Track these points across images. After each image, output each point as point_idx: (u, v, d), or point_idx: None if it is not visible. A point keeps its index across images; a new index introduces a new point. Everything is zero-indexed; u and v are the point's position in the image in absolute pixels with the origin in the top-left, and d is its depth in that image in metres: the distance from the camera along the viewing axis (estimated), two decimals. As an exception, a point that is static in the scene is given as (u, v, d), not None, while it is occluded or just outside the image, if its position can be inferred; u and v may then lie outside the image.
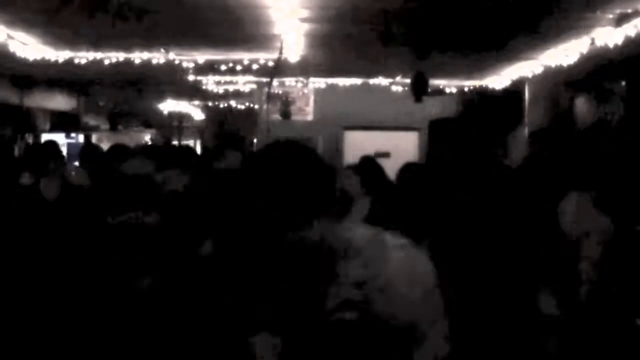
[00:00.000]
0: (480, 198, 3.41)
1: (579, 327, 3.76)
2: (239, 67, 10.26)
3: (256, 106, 14.20)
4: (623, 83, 9.60)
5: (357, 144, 13.01)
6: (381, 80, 12.32)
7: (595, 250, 3.89)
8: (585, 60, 8.91)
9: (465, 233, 3.28)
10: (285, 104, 13.39)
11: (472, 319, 2.98)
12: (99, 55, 9.73)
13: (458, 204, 3.39)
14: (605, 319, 3.85)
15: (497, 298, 3.12)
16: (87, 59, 9.82)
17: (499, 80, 12.14)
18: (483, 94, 12.69)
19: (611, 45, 7.86)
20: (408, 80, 10.69)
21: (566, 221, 4.05)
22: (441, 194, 3.63)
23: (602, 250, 3.90)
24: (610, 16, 7.21)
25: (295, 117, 13.41)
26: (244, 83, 12.65)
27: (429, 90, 10.79)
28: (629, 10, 6.95)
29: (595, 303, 3.83)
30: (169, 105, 17.44)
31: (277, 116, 13.30)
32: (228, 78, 11.98)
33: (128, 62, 9.85)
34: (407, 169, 5.51)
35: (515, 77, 11.55)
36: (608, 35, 7.76)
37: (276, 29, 7.85)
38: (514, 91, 12.13)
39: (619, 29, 7.46)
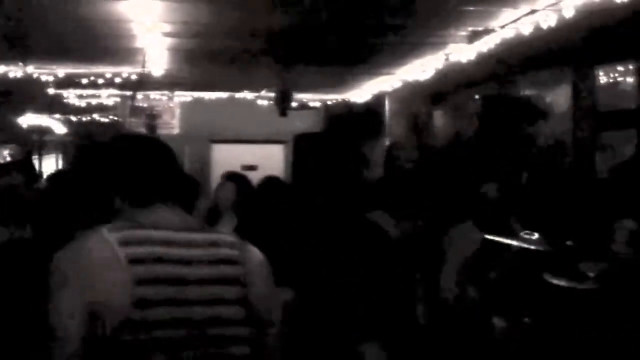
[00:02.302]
0: (335, 213, 3.51)
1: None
2: (101, 81, 10.07)
3: (120, 120, 13.95)
4: (477, 97, 10.07)
5: (225, 158, 13.04)
6: (247, 94, 12.40)
7: (452, 267, 4.00)
8: (441, 75, 9.29)
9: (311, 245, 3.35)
10: (150, 117, 13.22)
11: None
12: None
13: (310, 221, 3.46)
14: (464, 324, 4.02)
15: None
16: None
17: (360, 94, 12.45)
18: (346, 107, 12.98)
19: (464, 61, 8.24)
20: (273, 94, 10.84)
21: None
22: (298, 208, 3.71)
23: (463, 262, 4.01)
24: (463, 33, 7.54)
25: (161, 131, 13.27)
26: (108, 96, 12.42)
27: (294, 104, 10.98)
28: (481, 28, 7.30)
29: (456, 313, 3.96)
30: (28, 119, 16.82)
31: (142, 130, 13.12)
32: (90, 91, 11.73)
33: (-17, 76, 9.50)
34: (267, 183, 5.59)
35: (376, 91, 11.88)
36: (462, 52, 8.13)
37: (139, 43, 7.78)
38: (375, 105, 12.47)
39: (471, 45, 7.81)
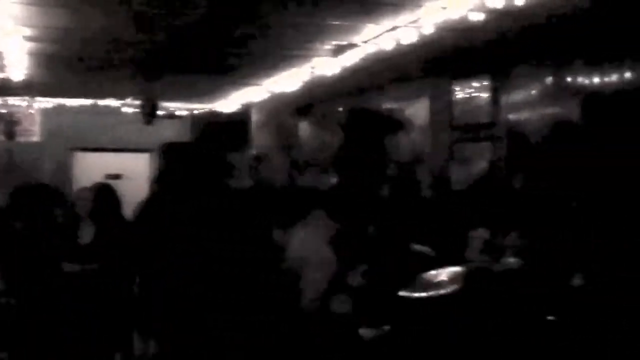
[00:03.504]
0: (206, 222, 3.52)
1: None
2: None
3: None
4: (341, 110, 10.31)
5: (88, 166, 12.74)
6: (111, 102, 12.17)
7: (316, 275, 4.02)
8: (307, 87, 9.47)
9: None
10: (9, 124, 12.75)
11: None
12: None
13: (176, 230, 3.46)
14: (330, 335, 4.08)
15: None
16: None
17: (227, 104, 12.48)
18: (213, 117, 12.97)
19: (329, 74, 8.44)
20: (139, 103, 10.70)
21: (292, 248, 4.20)
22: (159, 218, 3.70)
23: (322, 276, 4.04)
24: (328, 47, 7.71)
25: (20, 138, 12.83)
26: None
27: (161, 113, 10.87)
28: (345, 42, 7.49)
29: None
30: None
31: (0, 137, 12.64)
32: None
33: None
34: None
35: (243, 101, 11.94)
36: (327, 65, 8.31)
37: (-3, 46, 7.54)
38: (242, 115, 12.53)
39: (336, 59, 8.00)
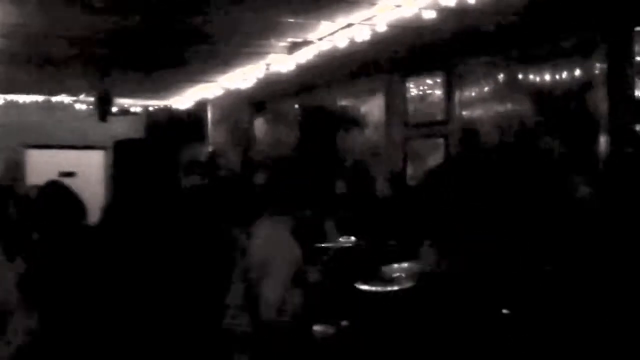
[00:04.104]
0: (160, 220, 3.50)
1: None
2: None
3: None
4: (296, 106, 10.34)
5: (40, 164, 12.57)
6: (64, 98, 12.02)
7: (280, 273, 4.01)
8: (262, 84, 9.46)
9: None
10: (-41, 121, 12.52)
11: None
12: None
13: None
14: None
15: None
16: None
17: (182, 101, 12.41)
18: (168, 114, 12.89)
19: (285, 71, 8.45)
20: (92, 99, 10.59)
21: (255, 244, 4.18)
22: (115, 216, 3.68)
23: (287, 272, 4.03)
24: (283, 44, 7.73)
25: (-31, 135, 12.61)
26: None
27: (115, 109, 10.77)
28: (300, 40, 7.52)
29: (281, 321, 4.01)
30: None
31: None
32: None
33: None
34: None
35: (198, 98, 11.89)
36: (282, 62, 8.32)
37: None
38: (198, 112, 12.49)
39: (291, 56, 8.02)
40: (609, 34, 6.26)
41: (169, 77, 9.91)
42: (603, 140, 6.37)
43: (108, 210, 3.84)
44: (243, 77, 9.57)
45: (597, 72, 6.47)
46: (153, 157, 3.49)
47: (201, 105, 12.26)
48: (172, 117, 12.77)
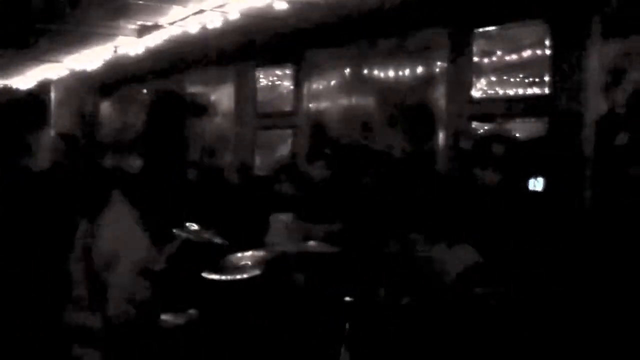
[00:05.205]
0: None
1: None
2: None
3: None
4: (145, 91, 10.16)
5: None
6: None
7: (126, 264, 3.92)
8: (109, 67, 9.24)
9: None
10: None
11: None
12: None
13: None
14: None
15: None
16: None
17: (25, 81, 11.93)
18: (8, 94, 12.38)
19: (133, 55, 8.29)
20: None
21: (100, 234, 4.05)
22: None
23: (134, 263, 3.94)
24: (133, 27, 7.59)
25: None
26: None
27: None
28: (150, 23, 7.40)
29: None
30: None
31: None
32: None
33: None
34: None
35: (40, 78, 11.46)
36: (131, 45, 8.17)
37: None
38: (40, 93, 12.05)
39: (140, 39, 7.88)
40: (451, 33, 6.51)
41: (10, 56, 9.50)
42: (441, 137, 6.63)
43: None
44: (89, 58, 9.31)
45: (437, 70, 6.73)
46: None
47: (45, 86, 11.83)
48: (13, 98, 12.25)
